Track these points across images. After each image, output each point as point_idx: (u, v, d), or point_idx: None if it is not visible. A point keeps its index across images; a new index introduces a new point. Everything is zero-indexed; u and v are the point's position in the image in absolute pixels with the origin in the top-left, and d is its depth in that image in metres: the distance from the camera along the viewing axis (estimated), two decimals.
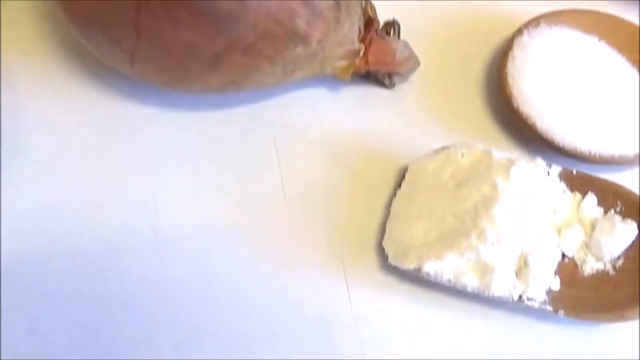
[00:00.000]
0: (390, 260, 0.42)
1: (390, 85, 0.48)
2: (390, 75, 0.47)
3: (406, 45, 0.47)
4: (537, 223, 0.42)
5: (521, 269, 0.42)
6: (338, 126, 0.47)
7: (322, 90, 0.48)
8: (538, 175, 0.43)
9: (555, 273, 0.43)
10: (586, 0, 0.50)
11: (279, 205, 0.45)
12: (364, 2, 0.46)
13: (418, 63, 0.48)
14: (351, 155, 0.47)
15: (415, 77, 0.49)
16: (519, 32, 0.48)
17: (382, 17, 0.47)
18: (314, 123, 0.47)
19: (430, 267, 0.41)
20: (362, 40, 0.46)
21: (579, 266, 0.43)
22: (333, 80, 0.47)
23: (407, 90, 0.49)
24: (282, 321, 0.43)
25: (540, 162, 0.43)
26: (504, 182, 0.41)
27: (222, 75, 0.42)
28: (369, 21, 0.46)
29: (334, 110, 0.48)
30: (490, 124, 0.48)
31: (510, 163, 0.42)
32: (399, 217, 0.44)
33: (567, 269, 0.43)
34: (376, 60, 0.46)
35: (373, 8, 0.47)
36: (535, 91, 0.46)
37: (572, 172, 0.44)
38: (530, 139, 0.46)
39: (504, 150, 0.44)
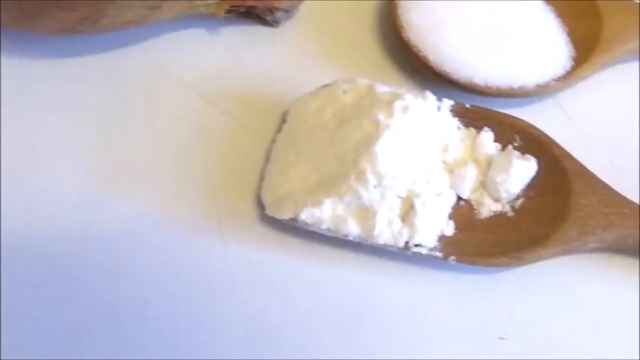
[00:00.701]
0: (267, 210, 0.38)
1: (274, 23, 0.44)
2: (271, 11, 0.43)
3: None
4: (425, 162, 0.38)
5: (407, 213, 0.37)
6: (216, 69, 0.43)
7: (198, 31, 0.44)
8: (427, 110, 0.39)
9: (450, 217, 0.39)
10: None
11: (149, 155, 0.41)
12: None
13: None
14: (231, 99, 0.43)
15: (302, 12, 0.45)
16: None
17: None
18: (189, 66, 0.44)
19: (308, 215, 0.37)
20: None
21: (476, 208, 0.39)
22: (210, 19, 0.43)
23: (293, 28, 0.45)
24: (153, 276, 0.39)
25: (429, 96, 0.39)
26: (386, 118, 0.38)
27: (72, 11, 0.38)
28: None
29: (212, 52, 0.44)
30: (385, 60, 0.44)
31: (395, 97, 0.38)
32: (277, 163, 0.40)
33: (463, 212, 0.39)
34: None
35: None
36: (426, 22, 0.42)
37: (465, 106, 0.40)
38: (424, 74, 0.42)
39: (397, 87, 0.40)
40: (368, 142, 0.37)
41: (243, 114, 0.42)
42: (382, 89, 0.39)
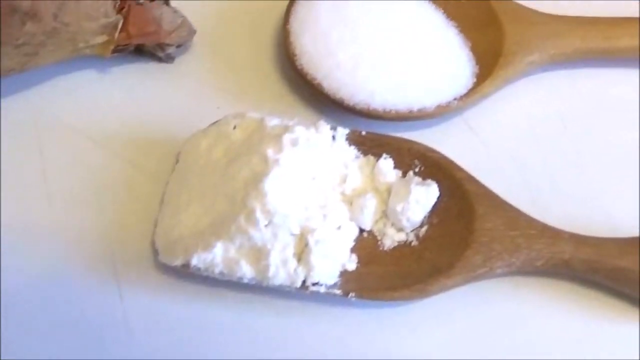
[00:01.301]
0: (160, 257, 0.37)
1: (168, 59, 0.42)
2: (162, 48, 0.42)
3: (175, 11, 0.42)
4: (321, 195, 0.37)
5: (303, 251, 0.36)
6: (109, 110, 0.42)
7: (88, 72, 0.43)
8: (320, 141, 0.37)
9: (352, 250, 0.37)
10: None
11: (41, 203, 0.39)
12: None
13: (193, 30, 0.42)
14: (126, 142, 0.41)
15: (196, 44, 0.43)
16: None
17: None
18: (81, 110, 0.42)
19: (199, 260, 0.36)
20: (120, 10, 0.40)
21: (379, 239, 0.38)
22: (100, 58, 0.41)
23: (189, 61, 0.44)
24: (50, 328, 0.37)
25: (322, 126, 0.37)
26: (275, 153, 0.36)
27: None
28: None
29: (104, 92, 0.42)
30: (284, 89, 0.43)
31: (284, 130, 0.37)
32: (170, 206, 0.38)
33: (366, 244, 0.38)
34: (138, 32, 0.41)
35: None
36: (319, 47, 0.40)
37: (361, 134, 0.38)
38: (320, 101, 0.41)
39: (296, 117, 0.39)
40: (257, 180, 0.36)
41: (139, 156, 0.41)
42: (273, 122, 0.37)
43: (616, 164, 0.42)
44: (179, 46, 0.42)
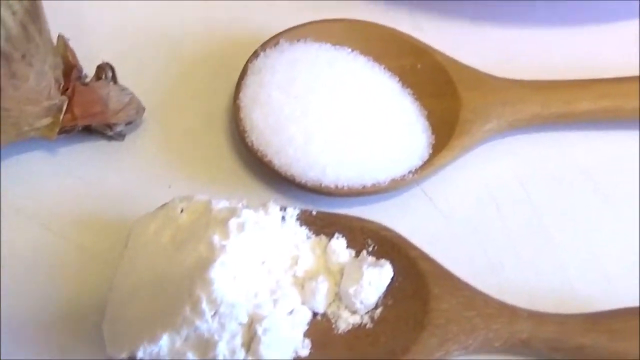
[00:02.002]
0: (107, 349, 0.35)
1: (118, 136, 0.42)
2: (110, 127, 0.41)
3: (123, 89, 0.41)
4: (271, 280, 0.36)
5: (252, 339, 0.35)
6: (59, 193, 0.41)
7: (36, 154, 0.42)
8: (269, 224, 0.36)
9: (305, 335, 0.36)
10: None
11: None
12: (62, 47, 0.40)
13: (142, 108, 0.41)
14: (77, 225, 0.40)
15: (148, 121, 0.42)
16: (254, 55, 0.41)
17: (111, 58, 0.42)
18: (29, 193, 0.41)
19: (145, 353, 0.34)
20: (64, 91, 0.39)
21: (334, 323, 0.37)
22: (45, 140, 0.40)
23: (140, 138, 0.43)
24: None
25: (271, 208, 0.36)
26: (221, 239, 0.35)
27: None
28: (69, 69, 0.39)
29: (53, 174, 0.42)
30: (237, 166, 0.42)
31: (231, 214, 0.35)
32: (118, 292, 0.37)
33: (320, 327, 0.37)
34: (84, 113, 0.40)
35: (72, 53, 0.40)
36: (269, 123, 0.39)
37: (312, 213, 0.37)
38: (272, 178, 0.40)
39: (249, 194, 0.37)
40: (202, 268, 0.34)
41: (89, 239, 0.40)
42: (219, 205, 0.36)
43: (580, 232, 0.41)
44: (128, 123, 0.41)
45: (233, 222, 0.35)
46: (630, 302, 0.38)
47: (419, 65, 0.42)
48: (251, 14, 0.45)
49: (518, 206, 0.41)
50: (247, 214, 0.36)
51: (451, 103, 0.41)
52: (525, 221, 0.41)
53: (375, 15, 0.44)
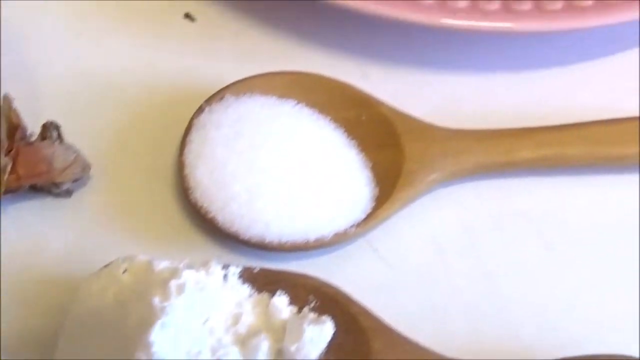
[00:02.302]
0: None
1: (65, 194, 0.42)
2: (57, 185, 0.41)
3: (68, 147, 0.41)
4: (213, 340, 0.36)
5: None
6: (4, 250, 0.41)
7: None
8: (211, 283, 0.36)
9: None
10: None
11: None
12: (6, 108, 0.40)
13: (88, 165, 0.42)
14: (21, 282, 0.40)
15: (97, 177, 0.42)
16: (199, 110, 0.42)
17: (57, 113, 0.42)
18: None
19: None
20: (8, 152, 0.40)
21: None
22: None
23: (88, 195, 0.43)
24: None
25: (213, 267, 0.37)
26: (161, 300, 0.35)
27: None
28: (13, 129, 0.40)
29: None
30: (182, 223, 0.42)
31: (172, 275, 0.36)
32: (64, 352, 0.37)
33: None
34: (28, 173, 0.40)
35: (16, 114, 0.40)
36: (213, 179, 0.40)
37: (254, 271, 0.38)
38: (217, 234, 0.40)
39: (193, 251, 0.38)
40: (143, 330, 0.35)
41: (36, 298, 0.40)
42: (161, 265, 0.37)
43: (525, 279, 0.41)
44: (75, 181, 0.41)
45: (174, 284, 0.36)
46: (575, 349, 0.38)
47: (363, 117, 0.43)
48: (199, 66, 0.45)
49: (463, 254, 0.41)
50: (187, 275, 0.36)
51: (395, 154, 0.42)
52: (469, 269, 0.41)
53: (324, 64, 0.45)
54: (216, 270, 0.37)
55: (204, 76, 0.45)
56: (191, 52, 0.46)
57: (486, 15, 0.42)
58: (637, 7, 0.43)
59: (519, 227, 0.42)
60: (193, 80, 0.45)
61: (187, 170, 0.40)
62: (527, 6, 0.43)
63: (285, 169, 0.40)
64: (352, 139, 0.42)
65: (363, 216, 0.40)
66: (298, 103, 0.43)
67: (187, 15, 0.47)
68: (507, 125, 0.43)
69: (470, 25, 0.42)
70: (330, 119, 0.43)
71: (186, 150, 0.41)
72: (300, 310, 0.38)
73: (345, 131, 0.42)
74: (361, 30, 0.46)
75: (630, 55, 0.46)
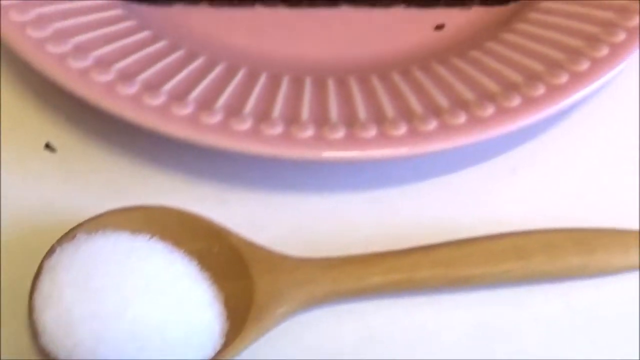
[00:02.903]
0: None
1: None
2: None
3: None
4: None
5: None
6: None
7: None
8: None
9: None
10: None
11: None
12: None
13: None
14: None
15: None
16: (51, 251, 0.42)
17: None
18: None
19: None
20: None
21: None
22: None
23: None
24: None
25: None
26: None
27: None
28: None
29: None
30: None
31: None
32: None
33: None
34: None
35: None
36: (61, 325, 0.40)
37: None
38: None
39: None
40: None
41: None
42: None
43: None
44: None
45: None
46: None
47: (215, 248, 0.43)
48: (57, 199, 0.46)
49: None
50: None
51: (246, 286, 0.42)
52: None
53: (182, 192, 0.45)
54: None
55: (62, 210, 0.45)
56: (50, 185, 0.46)
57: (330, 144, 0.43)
58: (480, 130, 0.44)
59: (374, 353, 0.43)
60: (49, 216, 0.45)
61: (35, 315, 0.40)
62: (372, 132, 0.44)
63: (134, 310, 0.40)
64: (205, 271, 0.43)
65: (212, 354, 0.40)
66: (152, 237, 0.43)
67: (48, 146, 0.48)
68: (361, 247, 0.43)
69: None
70: (184, 251, 0.43)
71: (36, 294, 0.41)
72: None
73: (198, 264, 0.43)
74: (218, 159, 0.47)
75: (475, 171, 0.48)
